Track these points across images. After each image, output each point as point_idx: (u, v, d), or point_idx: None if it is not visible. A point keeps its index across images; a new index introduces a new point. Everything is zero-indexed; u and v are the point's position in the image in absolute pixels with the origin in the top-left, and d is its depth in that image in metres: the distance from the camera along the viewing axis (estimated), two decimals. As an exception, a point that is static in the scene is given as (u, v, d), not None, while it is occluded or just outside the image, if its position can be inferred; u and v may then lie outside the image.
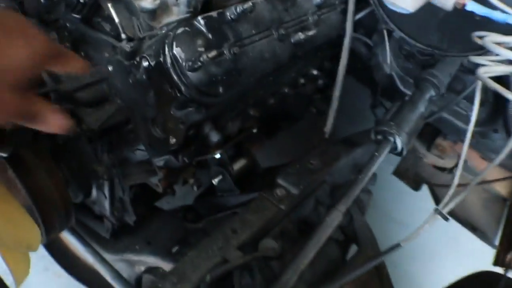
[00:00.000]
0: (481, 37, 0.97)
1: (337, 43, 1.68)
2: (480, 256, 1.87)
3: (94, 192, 1.56)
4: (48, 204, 1.35)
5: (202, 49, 1.02)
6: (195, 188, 1.47)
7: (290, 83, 1.62)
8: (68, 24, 1.37)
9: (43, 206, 1.34)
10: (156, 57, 1.04)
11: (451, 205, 1.05)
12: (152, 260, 1.64)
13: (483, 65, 1.01)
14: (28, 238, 1.07)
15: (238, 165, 1.67)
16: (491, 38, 0.93)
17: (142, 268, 1.69)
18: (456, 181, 1.06)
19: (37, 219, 1.38)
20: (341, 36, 1.62)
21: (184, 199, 1.77)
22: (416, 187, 2.60)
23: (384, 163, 2.43)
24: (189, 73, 1.00)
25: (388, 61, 1.61)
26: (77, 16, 1.32)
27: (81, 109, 1.23)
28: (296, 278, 1.18)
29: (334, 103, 1.50)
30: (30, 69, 0.60)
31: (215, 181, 1.57)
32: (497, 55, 0.94)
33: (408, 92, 1.71)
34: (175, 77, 1.01)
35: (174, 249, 1.66)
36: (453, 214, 2.49)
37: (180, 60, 1.00)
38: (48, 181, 1.35)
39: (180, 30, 1.02)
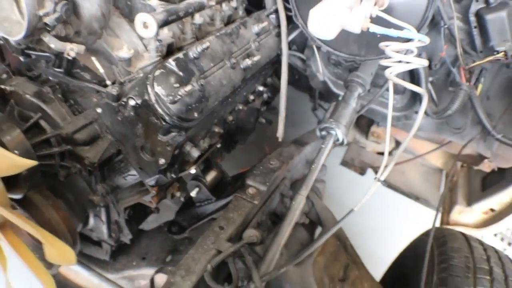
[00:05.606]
0: (386, 46, 1.31)
1: (276, 61, 2.01)
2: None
3: (91, 220, 1.78)
4: (57, 235, 1.57)
5: (177, 85, 1.30)
6: (182, 199, 1.73)
7: (243, 100, 1.92)
8: (50, 78, 1.61)
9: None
10: (141, 96, 1.30)
11: (386, 173, 1.37)
12: (150, 272, 1.88)
13: (389, 66, 1.34)
14: (67, 255, 1.31)
15: (210, 176, 1.94)
16: (391, 47, 1.27)
17: (142, 282, 1.92)
18: (386, 152, 1.38)
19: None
20: (279, 55, 1.95)
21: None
22: (362, 172, 2.98)
23: (331, 157, 2.79)
24: (170, 105, 1.27)
25: (321, 70, 1.94)
26: (60, 70, 1.56)
27: (78, 148, 1.48)
28: (278, 256, 1.46)
29: (282, 112, 1.81)
30: None
31: (193, 193, 1.83)
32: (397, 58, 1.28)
33: (341, 93, 2.06)
34: (159, 110, 1.28)
35: (168, 259, 1.90)
36: (399, 189, 2.91)
37: (162, 96, 1.27)
38: (55, 215, 1.57)
39: (157, 72, 1.29)
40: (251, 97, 1.99)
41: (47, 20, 1.27)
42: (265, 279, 1.36)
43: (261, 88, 2.05)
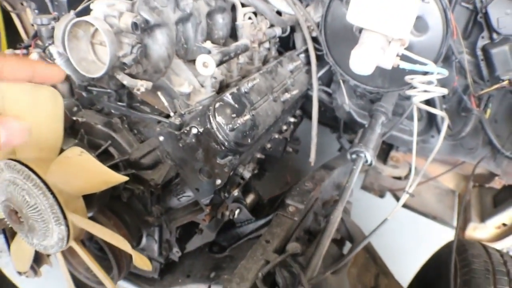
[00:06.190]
0: (412, 78, 1.54)
1: (304, 95, 2.24)
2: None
3: (143, 240, 1.97)
4: (119, 251, 1.75)
5: (234, 115, 1.52)
6: (231, 217, 1.92)
7: (278, 130, 2.14)
8: (112, 111, 1.83)
9: (116, 253, 1.74)
10: (203, 125, 1.51)
11: (413, 186, 1.57)
12: (195, 288, 2.06)
13: (414, 95, 1.57)
14: (146, 262, 1.51)
15: (249, 199, 2.14)
16: (417, 79, 1.50)
17: (188, 298, 2.10)
18: (413, 168, 1.60)
19: (112, 262, 1.79)
20: (307, 89, 2.18)
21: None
22: (381, 195, 3.18)
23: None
24: (229, 133, 1.49)
25: (346, 101, 2.17)
26: (123, 104, 1.78)
27: (142, 172, 1.69)
28: (320, 263, 1.65)
29: (314, 139, 2.03)
30: None
31: (236, 214, 2.03)
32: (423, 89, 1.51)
33: (363, 122, 2.29)
34: (220, 137, 1.49)
35: (212, 275, 2.07)
36: (416, 209, 3.12)
37: (222, 125, 1.49)
38: (117, 233, 1.76)
39: (217, 104, 1.51)
40: (284, 127, 2.20)
41: (125, 60, 1.50)
42: (312, 282, 1.54)
43: (291, 119, 2.27)
